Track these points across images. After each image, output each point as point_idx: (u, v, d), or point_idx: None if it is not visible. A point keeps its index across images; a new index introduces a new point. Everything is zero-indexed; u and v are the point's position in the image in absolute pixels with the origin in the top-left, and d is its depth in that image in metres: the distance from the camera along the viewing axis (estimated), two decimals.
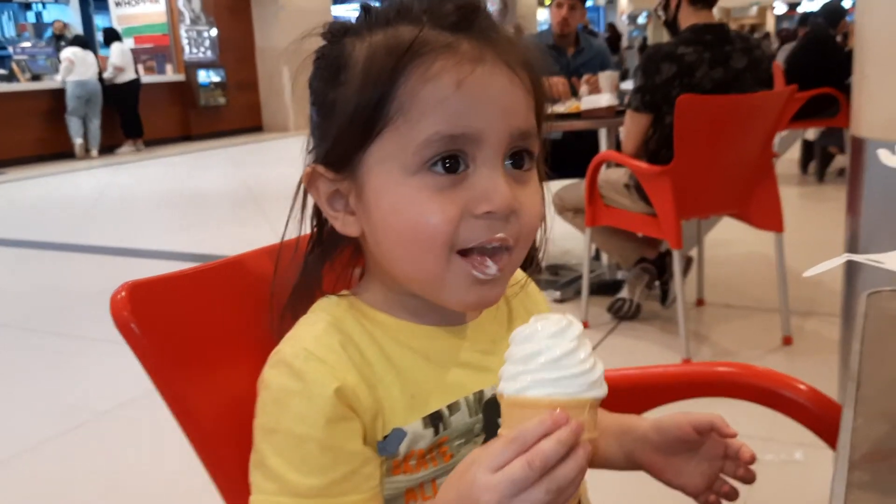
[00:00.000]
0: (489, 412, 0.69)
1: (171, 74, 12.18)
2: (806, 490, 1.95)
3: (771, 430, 2.16)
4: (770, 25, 22.23)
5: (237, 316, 0.74)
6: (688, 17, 2.79)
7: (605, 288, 3.44)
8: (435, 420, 0.66)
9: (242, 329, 0.74)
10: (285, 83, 12.04)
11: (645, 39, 16.81)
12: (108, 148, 10.39)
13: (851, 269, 1.95)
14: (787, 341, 2.82)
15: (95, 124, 10.16)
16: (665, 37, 3.01)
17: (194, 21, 12.34)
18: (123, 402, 2.62)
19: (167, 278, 0.69)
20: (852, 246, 1.93)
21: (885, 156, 0.84)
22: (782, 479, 1.99)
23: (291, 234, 0.74)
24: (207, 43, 12.47)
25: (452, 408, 0.67)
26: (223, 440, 0.69)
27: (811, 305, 3.18)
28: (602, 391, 0.56)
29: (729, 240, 3.94)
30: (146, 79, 11.36)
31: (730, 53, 2.71)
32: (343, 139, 0.63)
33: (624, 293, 3.16)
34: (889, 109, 1.73)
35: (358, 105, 0.62)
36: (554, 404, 0.54)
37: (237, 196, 7.07)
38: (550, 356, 0.55)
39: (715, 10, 2.86)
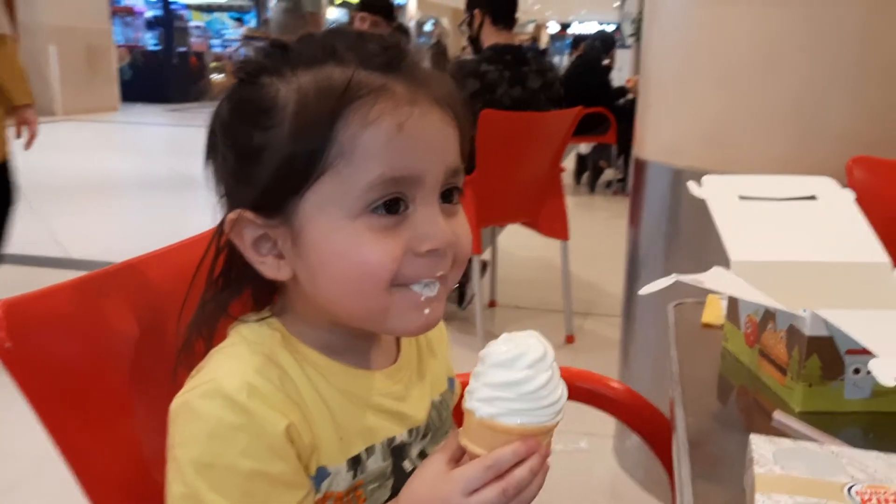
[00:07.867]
0: (397, 457, 0.71)
1: None
2: (589, 474, 2.19)
3: (561, 423, 2.38)
4: (544, 42, 23.81)
5: (122, 332, 0.71)
6: (489, 36, 2.97)
7: None
8: (355, 463, 0.67)
9: (131, 346, 0.71)
10: (52, 63, 10.97)
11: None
12: None
13: (632, 275, 2.19)
14: (570, 339, 3.09)
15: None
16: (452, 46, 3.16)
17: None
18: None
19: (45, 294, 0.64)
20: (634, 253, 2.17)
21: (692, 188, 0.97)
22: (570, 465, 2.20)
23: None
24: None
25: (369, 451, 0.68)
26: (115, 480, 0.66)
27: (589, 307, 3.50)
28: (563, 414, 0.61)
29: (519, 245, 4.21)
30: None
31: (526, 74, 2.91)
32: (277, 185, 0.61)
33: None
34: (668, 137, 1.97)
35: (294, 151, 0.60)
36: (526, 432, 0.59)
37: None
38: (529, 388, 0.58)
39: None
